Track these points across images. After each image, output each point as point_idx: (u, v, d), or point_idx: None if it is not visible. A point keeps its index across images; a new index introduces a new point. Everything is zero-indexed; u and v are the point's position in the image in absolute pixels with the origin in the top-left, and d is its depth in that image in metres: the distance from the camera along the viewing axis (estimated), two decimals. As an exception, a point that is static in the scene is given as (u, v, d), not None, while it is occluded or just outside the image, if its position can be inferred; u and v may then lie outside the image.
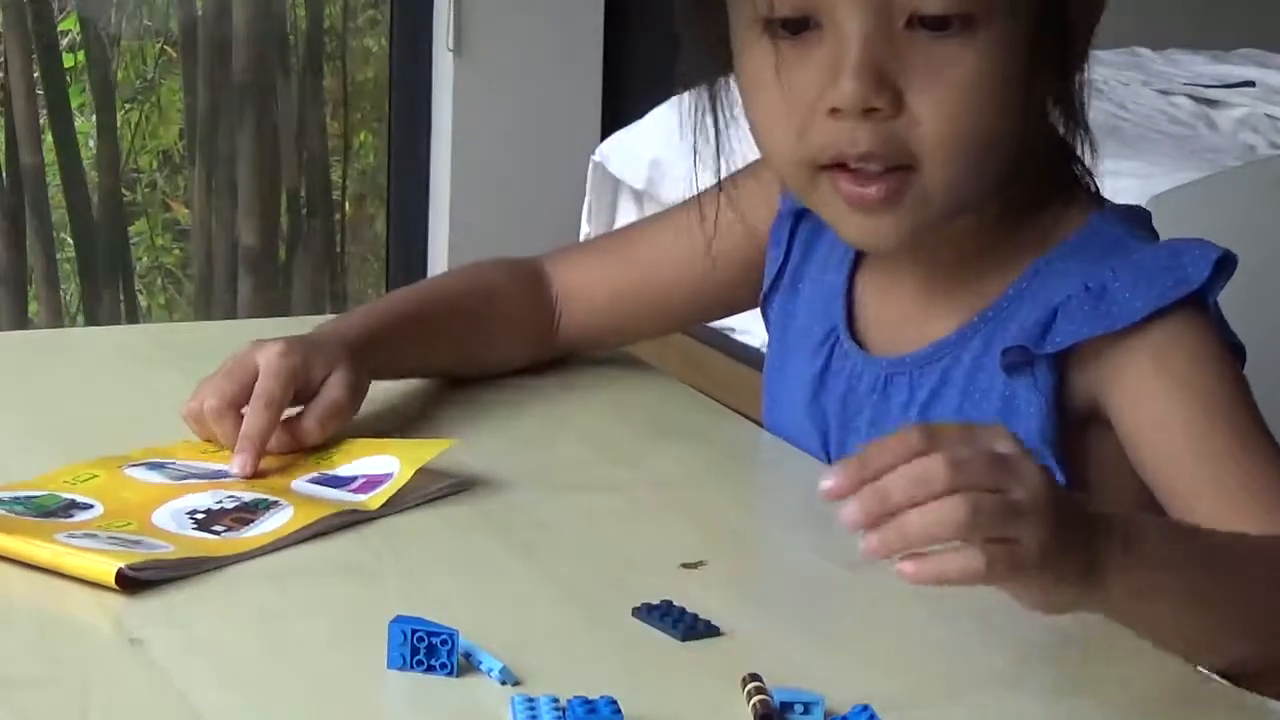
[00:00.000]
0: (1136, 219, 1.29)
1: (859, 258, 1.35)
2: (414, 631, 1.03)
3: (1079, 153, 1.27)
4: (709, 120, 1.31)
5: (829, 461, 1.34)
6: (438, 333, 1.46)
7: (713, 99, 1.31)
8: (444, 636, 1.03)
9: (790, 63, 1.20)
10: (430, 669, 1.03)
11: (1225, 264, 1.21)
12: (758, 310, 1.47)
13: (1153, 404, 1.20)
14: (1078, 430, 1.24)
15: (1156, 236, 1.28)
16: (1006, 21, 1.19)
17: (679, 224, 1.45)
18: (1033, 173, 1.26)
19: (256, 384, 1.29)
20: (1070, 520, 0.98)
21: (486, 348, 1.49)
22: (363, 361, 1.36)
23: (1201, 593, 1.07)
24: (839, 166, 1.21)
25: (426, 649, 1.03)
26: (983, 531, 0.94)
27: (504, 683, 1.02)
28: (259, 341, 1.33)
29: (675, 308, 1.50)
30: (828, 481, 0.95)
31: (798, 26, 1.20)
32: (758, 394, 1.46)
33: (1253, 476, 1.17)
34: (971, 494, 0.94)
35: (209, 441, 1.32)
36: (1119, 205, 1.30)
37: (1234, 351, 1.23)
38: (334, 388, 1.33)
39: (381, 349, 1.40)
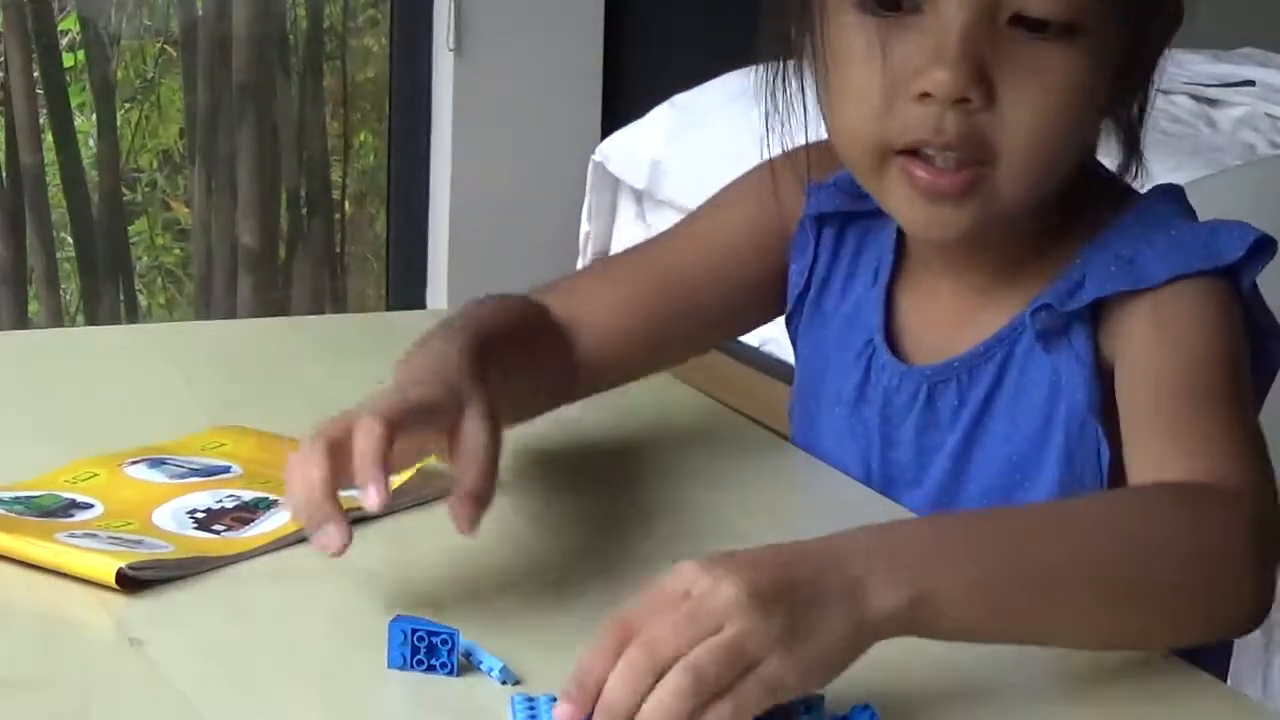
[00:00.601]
0: (1174, 197, 1.29)
1: (896, 267, 1.34)
2: (414, 631, 1.03)
3: (1130, 160, 1.28)
4: (778, 97, 1.30)
5: (871, 477, 1.32)
6: (527, 358, 1.32)
7: (788, 75, 1.30)
8: (444, 636, 1.03)
9: (887, 40, 1.20)
10: (430, 669, 1.03)
11: (1263, 247, 1.21)
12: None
13: (1143, 353, 1.19)
14: (1111, 398, 1.23)
15: (1195, 216, 1.28)
16: (1105, 34, 1.19)
17: (699, 229, 1.42)
18: (1078, 174, 1.26)
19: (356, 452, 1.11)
20: (788, 600, 0.96)
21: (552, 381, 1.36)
22: (488, 387, 1.18)
23: (1014, 584, 1.02)
24: (913, 153, 1.20)
25: (427, 649, 1.03)
26: (720, 685, 0.93)
27: (504, 682, 1.02)
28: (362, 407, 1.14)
29: (706, 318, 1.41)
30: (564, 709, 0.94)
31: (897, 6, 1.20)
32: (759, 393, 1.46)
33: (1205, 428, 1.14)
34: (687, 665, 0.93)
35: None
36: (1164, 185, 1.30)
37: (1260, 336, 1.23)
38: (474, 430, 1.14)
39: (495, 369, 1.21)
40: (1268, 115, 3.10)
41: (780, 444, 1.44)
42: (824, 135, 1.30)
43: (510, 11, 3.62)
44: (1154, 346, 1.19)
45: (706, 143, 3.17)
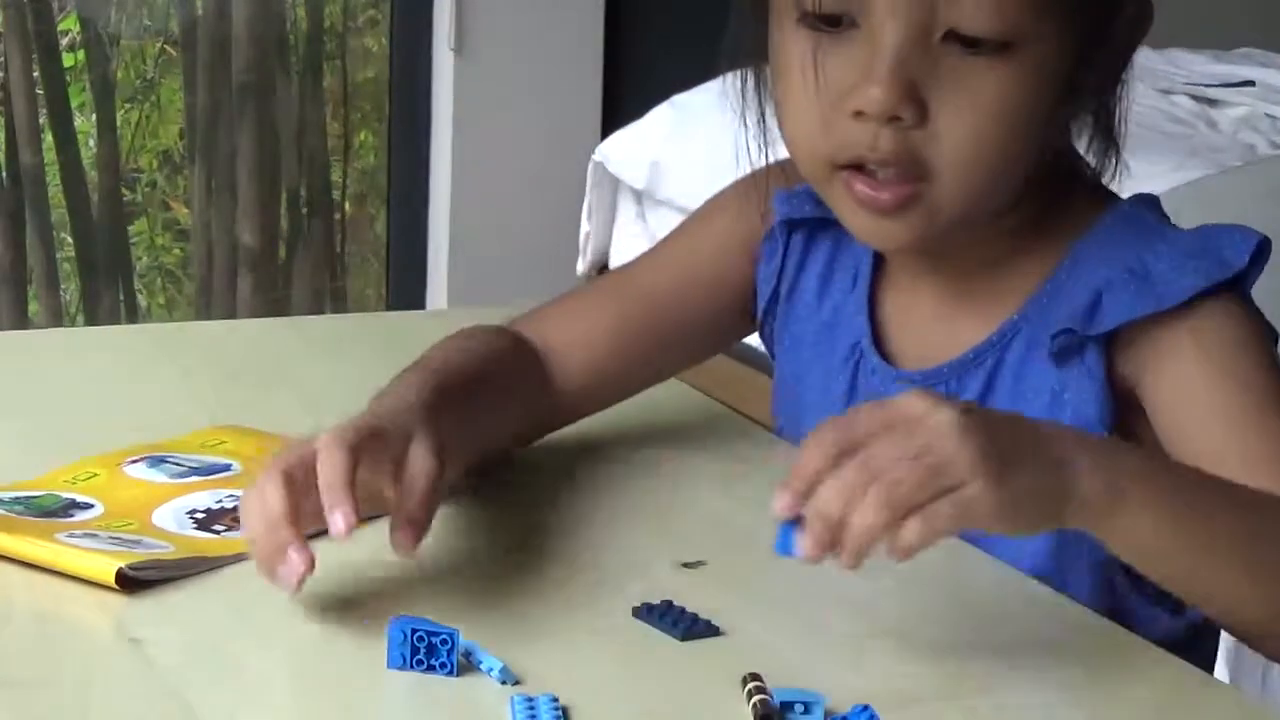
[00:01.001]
0: (1153, 205, 1.29)
1: (876, 271, 1.34)
2: (414, 631, 1.03)
3: (1104, 160, 1.27)
4: (753, 104, 1.31)
5: None
6: (495, 395, 1.32)
7: (758, 83, 1.30)
8: (444, 636, 1.03)
9: (823, 56, 1.20)
10: (430, 669, 1.03)
11: (1263, 250, 1.22)
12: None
13: (1189, 385, 1.20)
14: (1124, 416, 1.23)
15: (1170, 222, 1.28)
16: (1045, 47, 1.18)
17: (675, 251, 1.43)
18: (1051, 173, 1.26)
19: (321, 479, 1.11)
20: (1008, 441, 1.02)
21: (513, 418, 1.36)
22: (439, 424, 1.19)
23: (1190, 519, 1.07)
24: (856, 167, 1.21)
25: (427, 649, 1.03)
26: (913, 502, 1.00)
27: (504, 682, 1.02)
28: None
29: (687, 339, 1.42)
30: (782, 501, 1.02)
31: (835, 21, 1.20)
32: (757, 393, 1.46)
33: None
34: (885, 481, 0.99)
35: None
36: (1134, 195, 1.30)
37: (1269, 334, 1.24)
38: (418, 459, 1.15)
39: (452, 409, 1.23)
40: (1268, 115, 3.11)
41: (776, 440, 1.44)
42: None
43: (510, 11, 3.62)
44: (1199, 377, 1.20)
45: (706, 143, 3.16)
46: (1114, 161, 1.27)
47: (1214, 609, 1.13)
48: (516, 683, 1.02)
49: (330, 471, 1.08)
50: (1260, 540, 1.09)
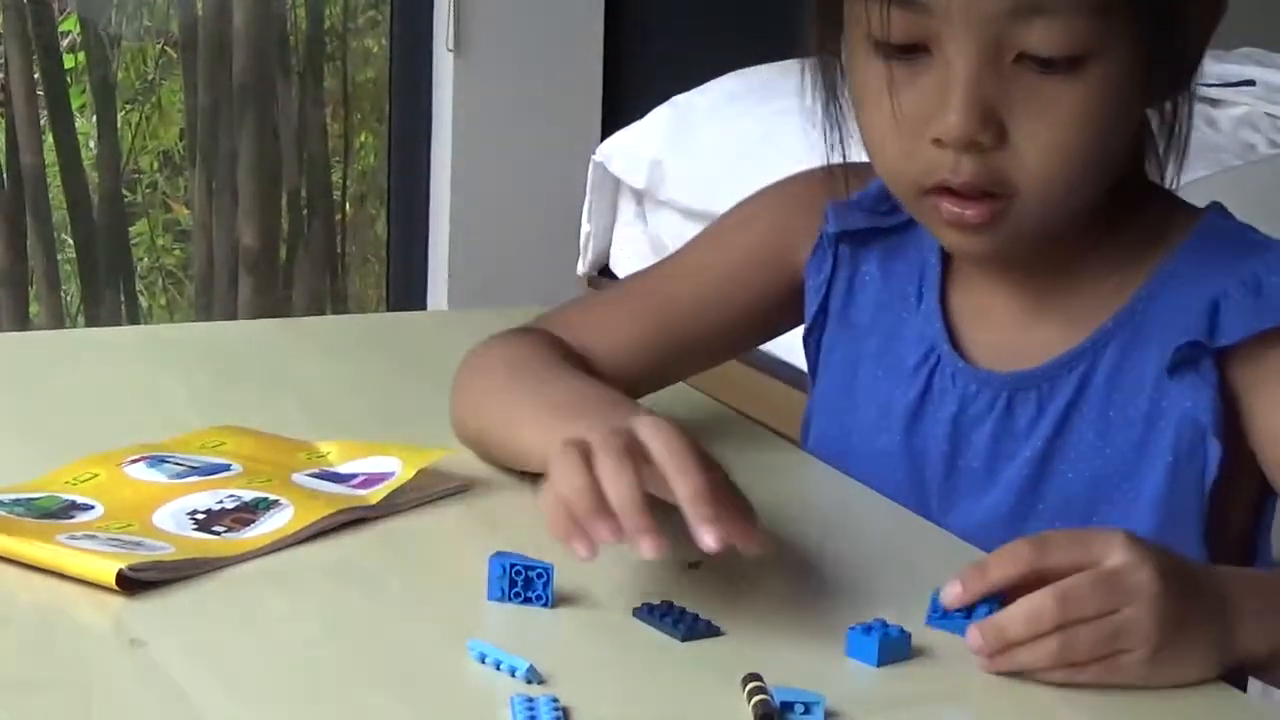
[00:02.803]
0: (1228, 213, 1.31)
1: (945, 279, 1.34)
2: (512, 565, 1.11)
3: (1167, 161, 1.29)
4: (829, 106, 1.32)
5: (927, 489, 1.32)
6: None
7: (830, 86, 1.32)
8: (539, 570, 1.11)
9: (900, 84, 1.22)
10: (527, 600, 1.11)
11: None
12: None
13: None
14: (1234, 425, 1.24)
15: None
16: (1118, 57, 1.20)
17: (701, 261, 1.43)
18: (1122, 177, 1.27)
19: (664, 451, 1.11)
20: (1185, 608, 1.05)
21: None
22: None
23: None
24: (942, 188, 1.22)
25: (524, 582, 1.10)
26: (1082, 658, 1.04)
27: (529, 681, 1.02)
28: (604, 425, 1.14)
29: (713, 342, 1.43)
30: (954, 590, 1.07)
31: (909, 49, 1.21)
32: (758, 395, 1.46)
33: None
34: (1070, 634, 1.03)
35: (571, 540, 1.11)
36: (1212, 202, 1.32)
37: None
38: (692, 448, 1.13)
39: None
40: (1268, 115, 3.10)
41: (782, 444, 1.44)
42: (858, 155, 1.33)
43: (510, 11, 3.62)
44: None
45: (706, 143, 3.17)
46: (1177, 166, 1.28)
47: None
48: (541, 682, 1.02)
49: (627, 490, 1.08)
50: None
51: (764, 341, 1.47)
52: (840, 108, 1.31)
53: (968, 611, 1.07)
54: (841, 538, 1.26)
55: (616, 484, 1.08)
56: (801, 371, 1.49)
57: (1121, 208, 1.28)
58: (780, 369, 2.57)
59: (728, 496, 1.10)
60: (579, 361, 1.37)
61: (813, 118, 1.34)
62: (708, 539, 1.06)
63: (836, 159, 1.34)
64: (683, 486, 1.08)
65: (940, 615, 1.09)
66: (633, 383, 1.38)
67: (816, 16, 1.30)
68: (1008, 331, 1.31)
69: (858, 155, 1.32)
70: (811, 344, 1.41)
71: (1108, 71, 1.20)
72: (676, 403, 1.49)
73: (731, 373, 2.38)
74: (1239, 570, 1.16)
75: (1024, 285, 1.30)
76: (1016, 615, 1.04)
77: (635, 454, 1.10)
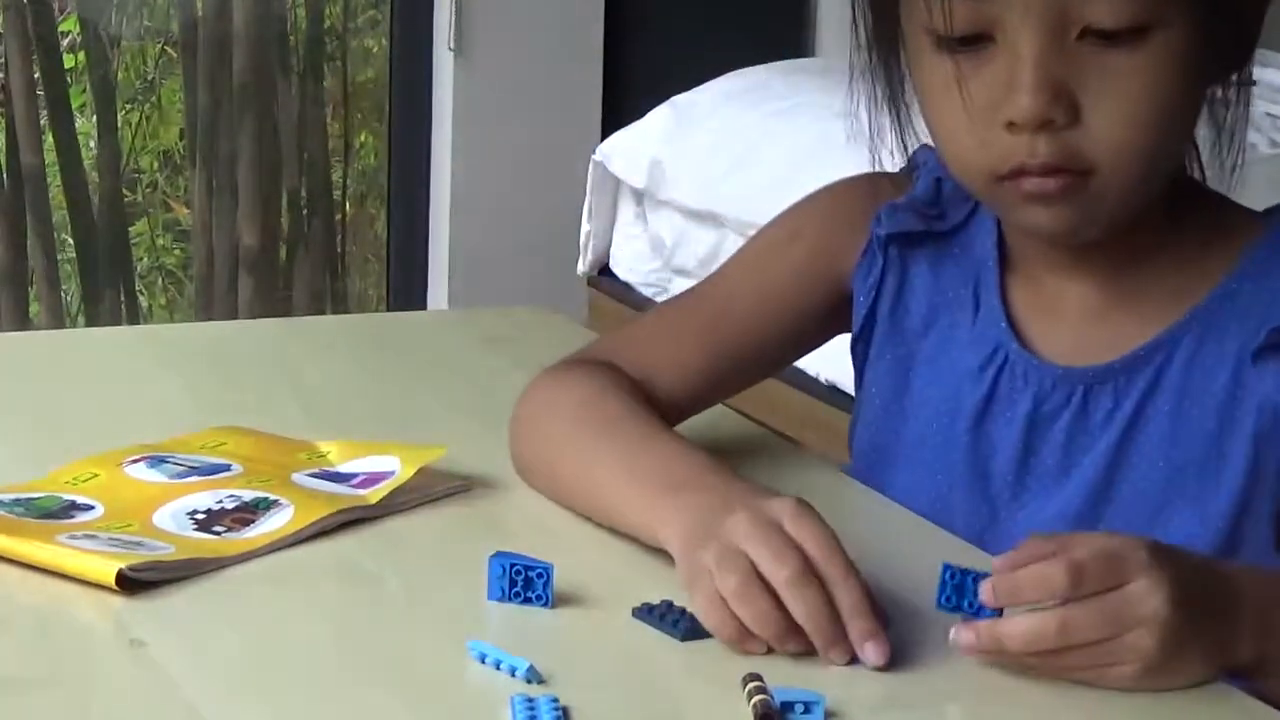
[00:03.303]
0: None
1: (1003, 281, 1.33)
2: (512, 565, 1.11)
3: (1226, 150, 1.30)
4: (893, 105, 1.32)
5: (991, 487, 1.31)
6: None
7: (890, 82, 1.31)
8: (539, 570, 1.11)
9: (966, 76, 1.22)
10: (527, 600, 1.11)
11: None
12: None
13: None
14: None
15: None
16: (1180, 28, 1.20)
17: (751, 273, 1.42)
18: (1178, 177, 1.28)
19: (822, 554, 1.10)
20: (1193, 625, 1.05)
21: None
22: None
23: None
24: (1020, 172, 1.22)
25: (524, 582, 1.11)
26: (1072, 675, 1.05)
27: (529, 681, 1.02)
28: (741, 513, 1.12)
29: (767, 354, 1.42)
30: (985, 593, 1.07)
31: (973, 40, 1.21)
32: (758, 397, 1.45)
33: None
34: (1065, 654, 1.04)
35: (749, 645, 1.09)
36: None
37: None
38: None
39: None
40: (1268, 115, 3.10)
41: (778, 440, 1.44)
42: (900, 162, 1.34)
43: (510, 11, 3.62)
44: None
45: (706, 143, 3.17)
46: (1232, 159, 1.29)
47: None
48: (541, 682, 1.02)
49: (817, 612, 1.08)
50: None
51: (809, 352, 1.45)
52: (903, 107, 1.31)
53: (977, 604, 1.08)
54: (851, 541, 1.26)
55: (803, 605, 1.07)
56: (806, 374, 1.48)
57: (1181, 205, 1.28)
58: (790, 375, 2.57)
59: (874, 604, 1.10)
60: (643, 394, 1.35)
61: (851, 123, 1.33)
62: (874, 657, 1.06)
63: (889, 160, 1.34)
64: (845, 597, 1.08)
65: (950, 601, 1.10)
66: (690, 404, 1.38)
67: (869, 14, 1.30)
68: (1080, 326, 1.30)
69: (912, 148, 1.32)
70: (859, 350, 1.39)
71: (1171, 40, 1.20)
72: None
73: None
74: (1260, 571, 1.15)
75: (1096, 278, 1.29)
76: (1017, 634, 1.05)
77: (800, 560, 1.08)
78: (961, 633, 1.06)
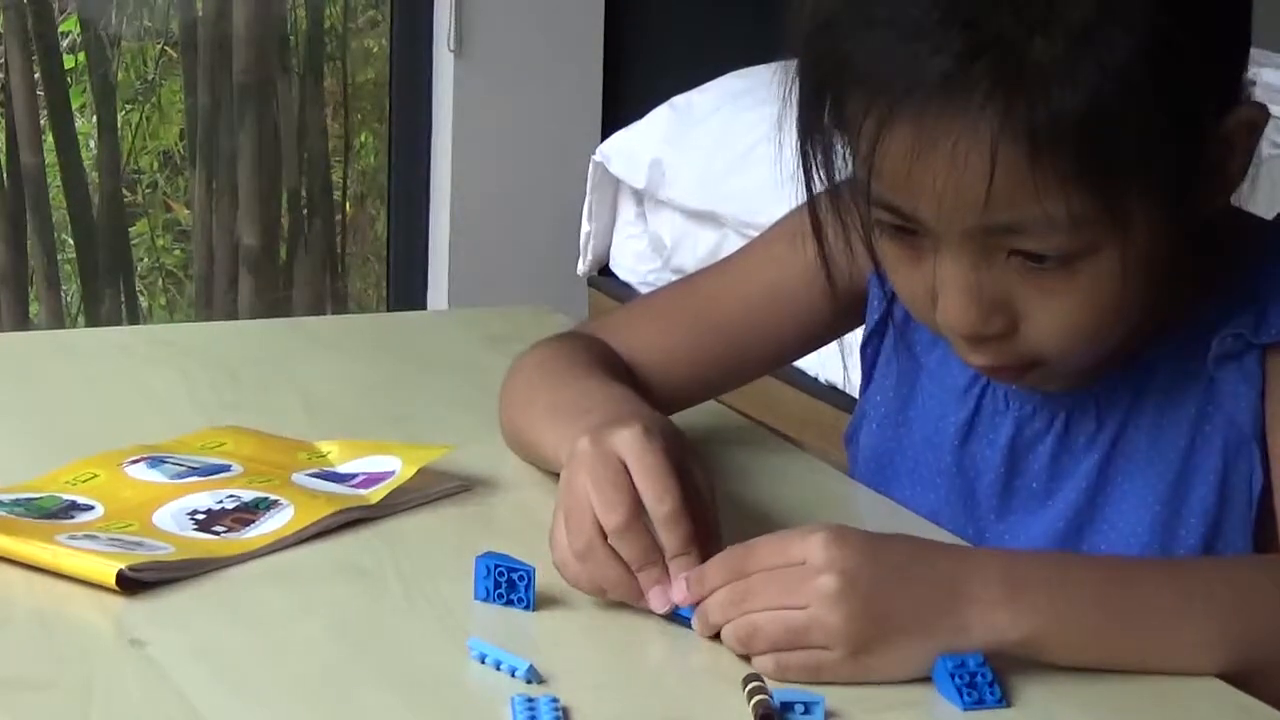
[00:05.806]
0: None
1: None
2: (496, 566, 1.11)
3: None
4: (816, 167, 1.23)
5: (979, 508, 1.31)
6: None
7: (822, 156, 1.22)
8: (521, 572, 1.11)
9: (908, 261, 1.17)
10: (510, 602, 1.11)
11: None
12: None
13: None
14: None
15: None
16: (1131, 234, 1.11)
17: (748, 279, 1.40)
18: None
19: (654, 494, 1.12)
20: (892, 604, 1.05)
21: None
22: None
23: (1128, 613, 1.07)
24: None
25: (507, 584, 1.11)
26: (764, 646, 1.06)
27: (529, 681, 1.02)
28: (596, 435, 1.14)
29: (757, 359, 1.41)
30: (678, 594, 1.09)
31: (910, 231, 1.16)
32: (756, 396, 1.45)
33: None
34: (753, 617, 1.06)
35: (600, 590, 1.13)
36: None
37: None
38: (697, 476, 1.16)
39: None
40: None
41: (778, 440, 1.44)
42: None
43: (510, 11, 3.62)
44: None
45: (706, 143, 3.17)
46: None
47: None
48: (541, 682, 1.02)
49: (636, 561, 1.11)
50: (1225, 614, 1.09)
51: (816, 349, 1.44)
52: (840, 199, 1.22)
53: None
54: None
55: (626, 556, 1.11)
56: (806, 374, 1.48)
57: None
58: (790, 375, 2.57)
59: (710, 538, 1.12)
60: (621, 367, 1.35)
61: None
62: (656, 604, 1.10)
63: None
64: (666, 540, 1.11)
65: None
66: (682, 393, 1.38)
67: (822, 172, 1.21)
68: None
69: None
70: (869, 352, 1.38)
71: (1123, 247, 1.12)
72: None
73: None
74: (993, 554, 1.16)
75: None
76: (711, 604, 1.08)
77: (628, 507, 1.11)
78: (676, 587, 1.09)
